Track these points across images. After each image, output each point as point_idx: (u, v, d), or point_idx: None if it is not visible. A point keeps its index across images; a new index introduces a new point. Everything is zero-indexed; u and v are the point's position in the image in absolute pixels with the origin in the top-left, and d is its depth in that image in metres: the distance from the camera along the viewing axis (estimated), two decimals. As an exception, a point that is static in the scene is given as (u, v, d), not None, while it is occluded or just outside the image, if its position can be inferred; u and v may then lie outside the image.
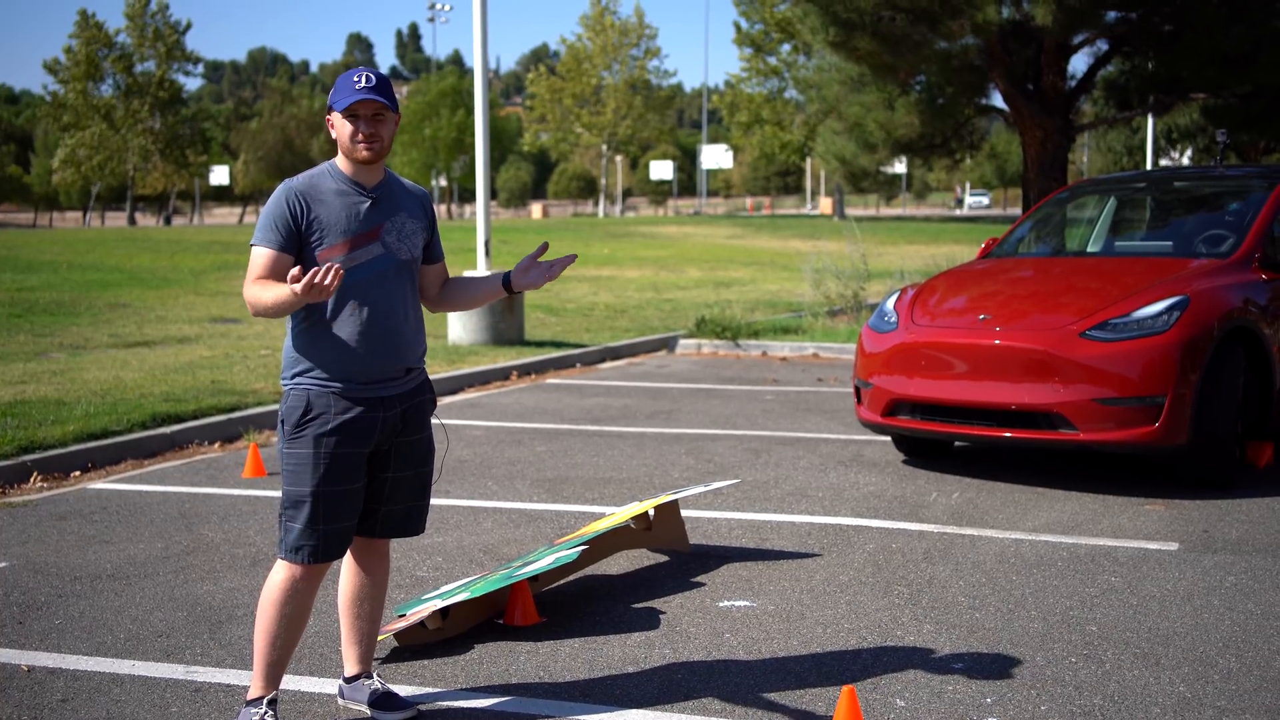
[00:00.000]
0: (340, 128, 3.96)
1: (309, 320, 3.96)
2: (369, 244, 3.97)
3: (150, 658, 4.76)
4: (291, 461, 3.95)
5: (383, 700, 4.23)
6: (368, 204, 4.00)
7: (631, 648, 4.87)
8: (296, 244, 3.91)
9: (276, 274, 3.89)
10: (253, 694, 4.03)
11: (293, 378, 3.98)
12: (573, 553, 5.16)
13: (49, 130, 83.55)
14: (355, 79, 3.94)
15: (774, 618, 5.21)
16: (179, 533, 6.62)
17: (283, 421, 3.98)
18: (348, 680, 4.31)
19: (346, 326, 3.95)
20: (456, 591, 5.05)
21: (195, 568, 5.96)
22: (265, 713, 3.98)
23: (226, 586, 5.66)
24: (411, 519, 4.24)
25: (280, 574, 4.00)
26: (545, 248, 4.26)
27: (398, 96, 4.23)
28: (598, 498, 7.36)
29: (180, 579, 5.78)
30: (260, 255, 3.91)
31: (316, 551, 3.96)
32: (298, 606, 4.01)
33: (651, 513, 6.06)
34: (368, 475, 4.07)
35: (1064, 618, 5.15)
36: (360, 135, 3.94)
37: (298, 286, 3.63)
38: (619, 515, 5.93)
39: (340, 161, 4.04)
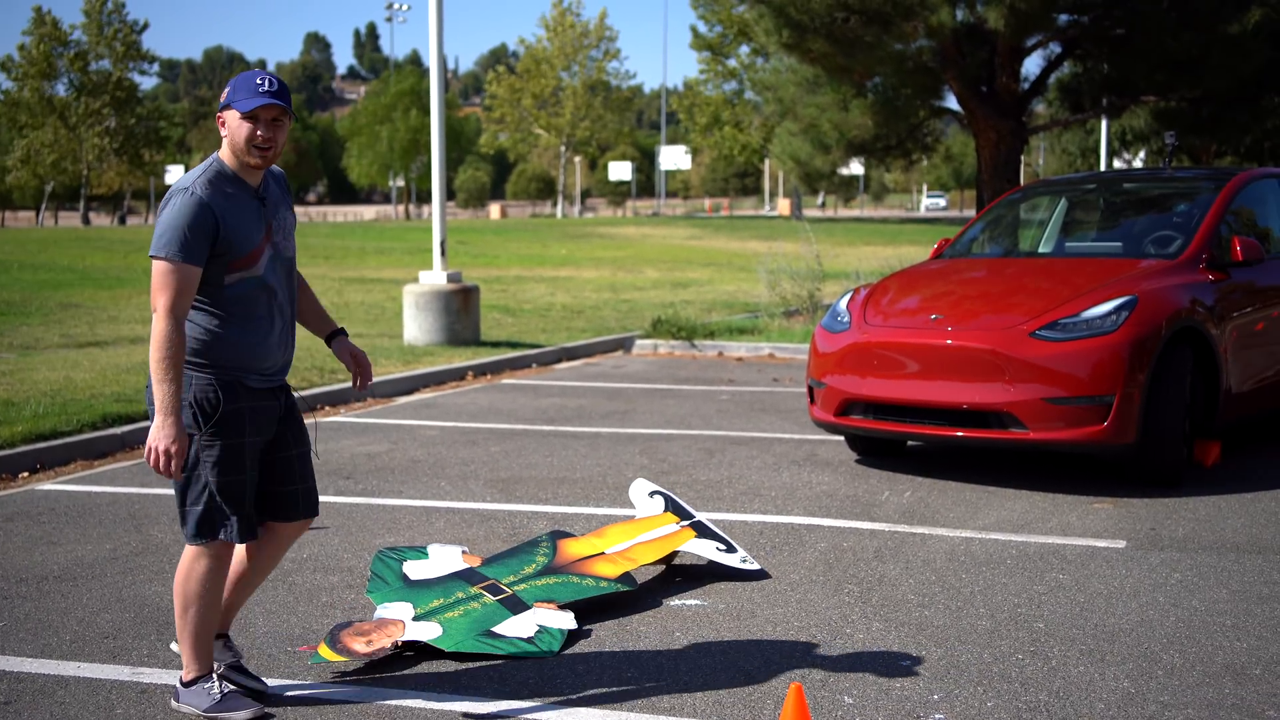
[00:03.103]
0: (237, 129, 3.95)
1: (214, 319, 3.98)
2: (264, 250, 4.04)
3: (96, 659, 4.73)
4: (211, 453, 4.00)
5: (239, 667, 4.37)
6: (260, 206, 4.05)
7: (582, 646, 4.88)
8: (206, 258, 3.91)
9: (191, 289, 3.89)
10: (197, 673, 4.17)
11: (199, 369, 3.99)
12: (568, 618, 5.06)
13: (3, 129, 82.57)
14: (258, 81, 3.95)
15: (724, 616, 5.22)
16: (128, 534, 6.56)
17: (197, 413, 3.98)
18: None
19: (250, 325, 4.03)
20: (431, 616, 4.93)
21: (144, 569, 5.92)
22: (215, 683, 4.16)
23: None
24: (308, 500, 4.34)
25: (202, 562, 4.09)
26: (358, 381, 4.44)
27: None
28: (551, 498, 7.36)
29: (128, 580, 5.74)
30: (184, 274, 3.85)
31: (243, 532, 4.10)
32: (220, 586, 4.16)
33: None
34: (271, 457, 4.19)
35: (1012, 615, 5.19)
36: (258, 139, 3.94)
37: (156, 450, 3.84)
38: (645, 552, 5.70)
39: (229, 160, 4.02)
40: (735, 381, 12.36)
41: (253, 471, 4.09)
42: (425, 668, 4.66)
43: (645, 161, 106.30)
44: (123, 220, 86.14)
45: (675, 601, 5.44)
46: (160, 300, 3.85)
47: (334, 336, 4.46)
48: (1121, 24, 19.36)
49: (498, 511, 7.05)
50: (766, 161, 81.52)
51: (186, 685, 4.17)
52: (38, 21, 75.72)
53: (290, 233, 4.18)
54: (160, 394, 3.84)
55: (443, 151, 14.90)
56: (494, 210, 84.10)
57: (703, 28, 70.07)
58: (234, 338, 4.00)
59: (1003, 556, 6.05)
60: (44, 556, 6.14)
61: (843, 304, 8.39)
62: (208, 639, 4.16)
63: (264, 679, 4.43)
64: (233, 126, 3.95)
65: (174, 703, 4.22)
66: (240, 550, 4.33)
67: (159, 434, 3.84)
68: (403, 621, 4.88)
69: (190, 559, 4.11)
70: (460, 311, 14.43)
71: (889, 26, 18.31)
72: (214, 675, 4.17)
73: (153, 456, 3.86)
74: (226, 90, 4.01)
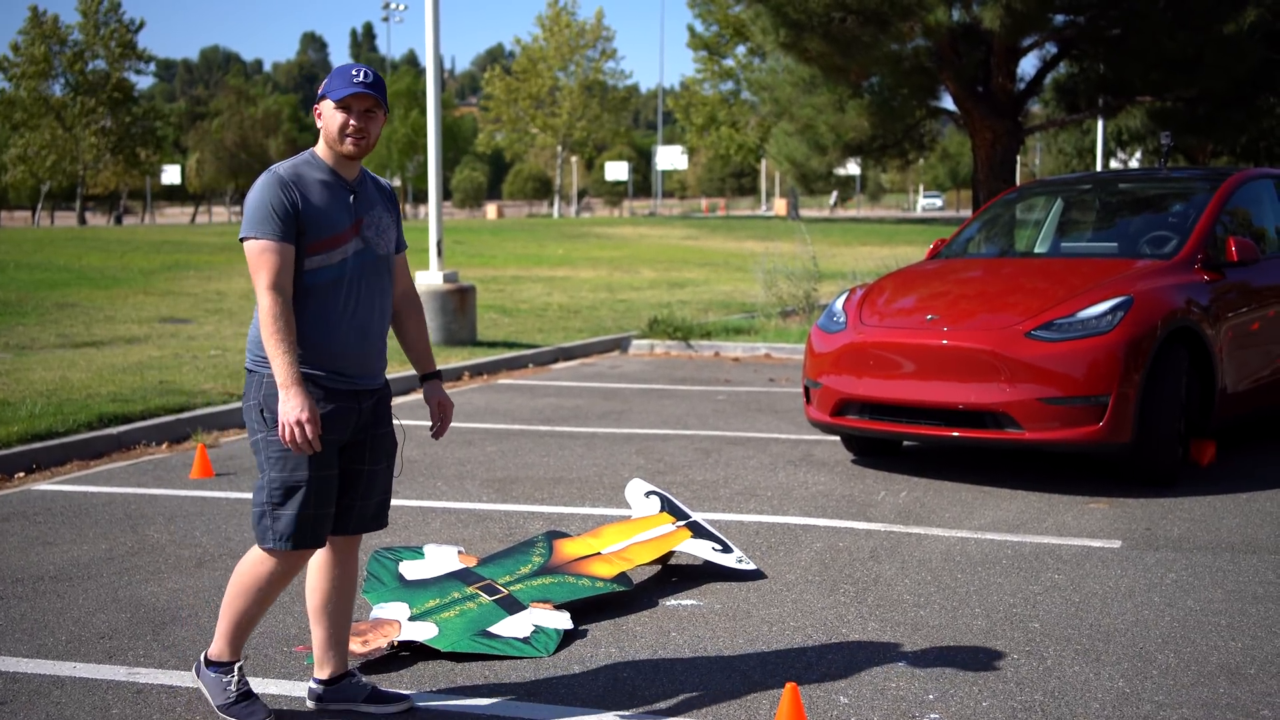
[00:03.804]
0: (330, 118, 3.97)
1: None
2: (352, 238, 3.99)
3: (92, 659, 4.73)
4: (278, 449, 3.92)
5: (376, 695, 4.27)
6: (351, 197, 4.02)
7: (577, 647, 4.88)
8: (295, 234, 3.89)
9: (288, 265, 3.87)
10: (221, 657, 4.12)
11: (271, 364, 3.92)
12: (564, 618, 5.07)
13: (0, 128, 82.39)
14: (353, 72, 3.97)
15: (720, 616, 5.23)
16: (124, 534, 6.56)
17: (264, 410, 3.93)
18: (329, 682, 4.27)
19: (327, 319, 3.96)
20: (427, 616, 4.94)
21: (140, 569, 5.92)
22: (236, 679, 4.09)
23: (171, 587, 5.62)
24: (382, 512, 4.28)
25: (267, 564, 4.01)
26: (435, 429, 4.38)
27: None
28: (548, 498, 7.36)
29: (124, 580, 5.74)
30: (276, 250, 3.85)
31: (306, 538, 3.98)
32: (277, 591, 4.08)
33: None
34: (344, 469, 4.10)
35: (1007, 615, 5.20)
36: (350, 128, 3.96)
37: (288, 424, 3.77)
38: (641, 552, 5.70)
39: (322, 151, 4.03)
40: (731, 381, 12.37)
41: (325, 473, 3.97)
42: (421, 668, 4.67)
43: (642, 161, 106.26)
44: (119, 220, 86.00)
45: (671, 601, 5.45)
46: (259, 279, 3.84)
47: (428, 378, 4.41)
48: (1117, 24, 19.35)
49: (494, 512, 7.05)
50: (763, 162, 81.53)
51: (209, 664, 4.13)
52: (34, 21, 75.54)
53: (386, 232, 4.10)
54: (276, 369, 3.80)
55: (439, 151, 14.90)
56: (490, 210, 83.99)
57: (700, 27, 70.08)
58: (307, 333, 3.92)
59: (998, 556, 6.06)
60: (40, 557, 6.14)
61: (839, 304, 8.40)
62: (245, 631, 4.11)
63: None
64: (327, 115, 3.98)
65: (194, 673, 4.21)
66: (320, 574, 4.22)
67: (284, 408, 3.78)
68: (399, 621, 4.88)
69: (254, 558, 4.04)
70: (457, 311, 14.43)
71: (886, 26, 18.31)
72: (235, 668, 4.11)
73: (287, 433, 3.79)
74: (324, 82, 4.04)
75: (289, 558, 4.01)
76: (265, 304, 3.82)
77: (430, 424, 4.35)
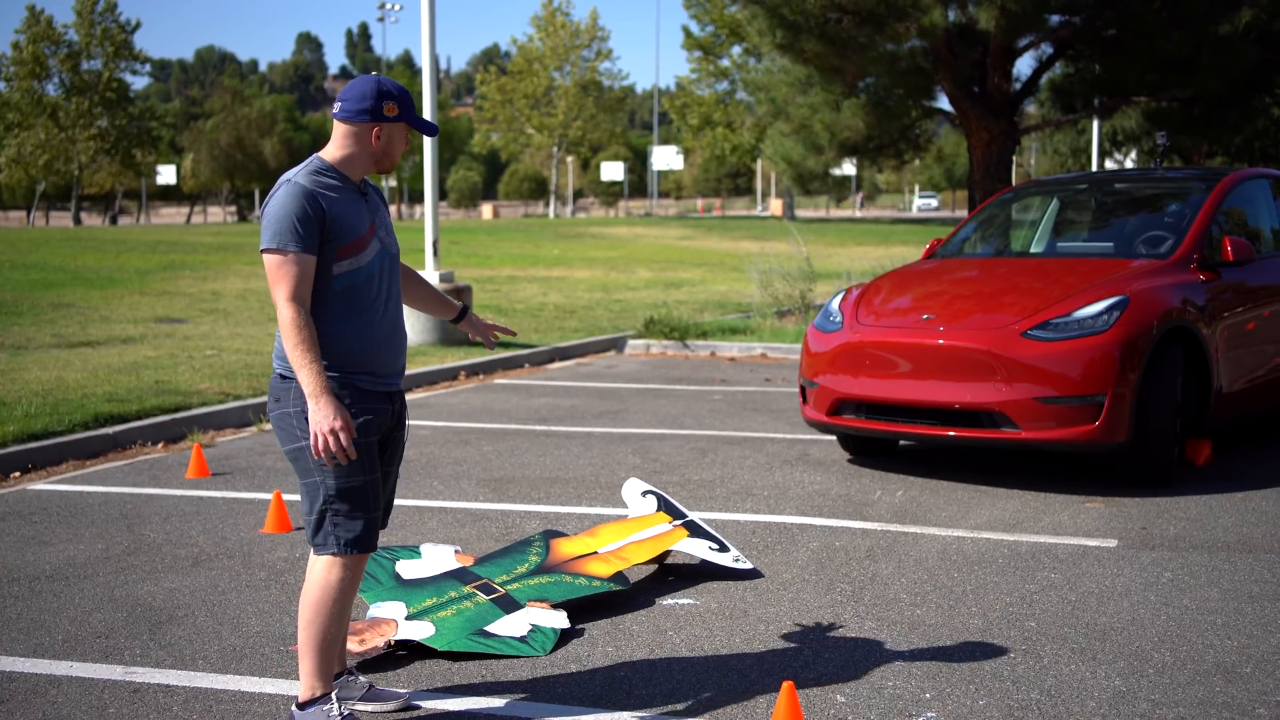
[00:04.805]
0: (398, 141, 4.04)
1: (321, 316, 3.91)
2: (371, 240, 4.01)
3: (89, 659, 4.72)
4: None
5: (372, 693, 4.27)
6: (363, 200, 4.04)
7: (575, 646, 4.88)
8: (317, 244, 3.88)
9: (308, 277, 3.85)
10: (314, 694, 3.99)
11: None
12: (560, 617, 5.08)
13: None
14: (418, 105, 4.02)
15: (717, 615, 5.23)
16: (120, 533, 6.56)
17: (308, 418, 3.87)
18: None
19: (360, 321, 3.95)
20: (424, 615, 4.94)
21: (136, 568, 5.92)
22: (337, 708, 3.98)
23: (167, 587, 5.62)
24: (387, 513, 4.27)
25: (335, 572, 3.96)
26: (502, 330, 4.70)
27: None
28: (544, 497, 7.36)
29: (120, 580, 5.73)
30: (297, 262, 3.81)
31: (368, 540, 3.98)
32: (351, 600, 4.03)
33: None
34: None
35: (1004, 614, 5.21)
36: (398, 154, 4.06)
37: (321, 433, 3.74)
38: (638, 551, 5.70)
39: (332, 158, 4.00)
40: (727, 381, 12.37)
41: (374, 475, 3.97)
42: (418, 667, 4.67)
43: (637, 162, 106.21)
44: (114, 220, 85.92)
45: (668, 600, 5.45)
46: (279, 291, 3.81)
47: (463, 315, 4.56)
48: (1113, 24, 19.39)
49: (490, 511, 7.05)
50: (759, 162, 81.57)
51: (303, 707, 4.00)
52: (31, 21, 75.44)
53: (392, 230, 4.15)
54: (304, 379, 3.76)
55: (435, 151, 14.90)
56: (486, 210, 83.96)
57: (695, 28, 70.10)
58: (343, 336, 3.91)
59: (994, 556, 6.07)
60: (36, 556, 6.13)
61: (835, 304, 8.40)
62: (330, 656, 4.01)
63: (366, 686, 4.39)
64: (389, 134, 4.00)
65: None
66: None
67: (316, 418, 3.75)
68: (395, 621, 4.88)
69: (320, 570, 3.98)
70: (453, 311, 14.40)
71: (881, 27, 18.34)
72: (333, 697, 4.00)
73: (320, 442, 3.75)
74: (382, 97, 3.97)
75: (355, 562, 3.98)
76: (287, 315, 3.79)
77: (507, 334, 4.66)
